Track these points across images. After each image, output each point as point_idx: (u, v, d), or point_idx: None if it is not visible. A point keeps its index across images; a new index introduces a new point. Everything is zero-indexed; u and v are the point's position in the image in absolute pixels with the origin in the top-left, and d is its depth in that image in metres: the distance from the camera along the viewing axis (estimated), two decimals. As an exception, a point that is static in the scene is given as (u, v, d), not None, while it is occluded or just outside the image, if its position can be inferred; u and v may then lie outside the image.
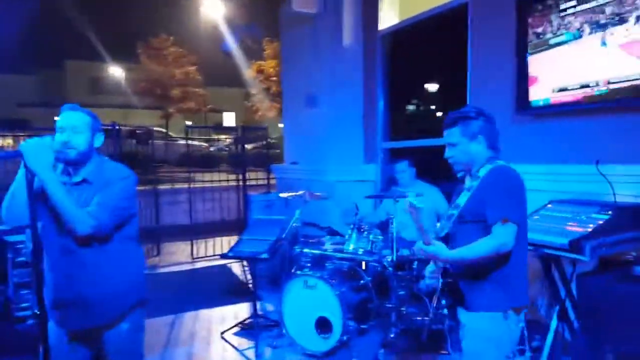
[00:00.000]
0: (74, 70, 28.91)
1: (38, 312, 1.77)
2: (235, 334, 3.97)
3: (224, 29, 22.24)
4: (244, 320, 4.03)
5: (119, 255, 2.06)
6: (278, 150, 13.53)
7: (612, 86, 2.78)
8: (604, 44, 2.83)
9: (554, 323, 2.68)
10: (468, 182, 2.07)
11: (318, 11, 5.55)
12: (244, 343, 3.81)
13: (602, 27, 2.83)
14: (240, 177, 7.01)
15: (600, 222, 2.43)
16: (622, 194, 2.59)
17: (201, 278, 5.95)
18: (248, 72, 25.27)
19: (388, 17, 5.34)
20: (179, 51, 24.55)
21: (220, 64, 25.58)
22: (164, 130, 19.58)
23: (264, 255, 3.67)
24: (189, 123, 26.30)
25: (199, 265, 6.50)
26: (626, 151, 2.67)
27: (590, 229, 2.39)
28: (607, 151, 2.74)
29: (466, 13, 4.08)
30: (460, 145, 2.00)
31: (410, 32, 5.02)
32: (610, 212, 2.46)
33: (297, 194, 4.04)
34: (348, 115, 5.56)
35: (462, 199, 2.01)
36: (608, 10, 2.79)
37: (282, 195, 4.14)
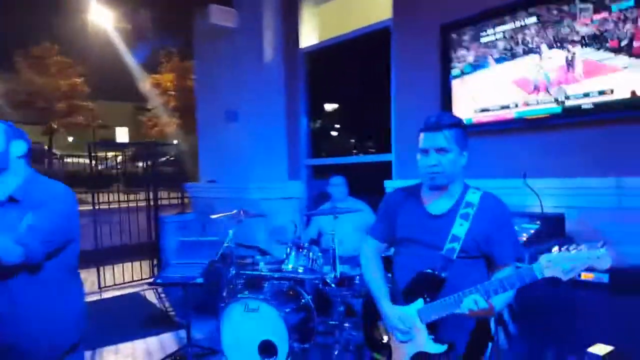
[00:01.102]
0: None
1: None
2: (166, 367, 3.67)
3: (117, 38, 20.98)
4: (177, 351, 3.73)
5: (54, 288, 1.80)
6: (172, 168, 12.96)
7: (529, 107, 3.10)
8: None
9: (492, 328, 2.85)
10: (440, 204, 1.82)
11: (237, 26, 5.46)
12: (177, 376, 3.53)
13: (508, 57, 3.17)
14: (151, 196, 6.55)
15: (532, 231, 2.67)
16: (546, 205, 2.87)
17: (113, 308, 5.41)
18: (143, 86, 24.00)
19: (310, 36, 5.42)
20: (64, 61, 22.48)
21: (109, 76, 23.99)
22: (45, 147, 17.74)
23: (199, 280, 3.46)
24: (70, 139, 24.11)
25: (108, 294, 5.91)
26: (547, 166, 2.97)
27: (525, 238, 2.62)
28: (531, 166, 3.02)
29: (389, 36, 4.29)
30: (452, 153, 1.74)
31: (334, 51, 5.14)
32: (538, 222, 2.72)
33: (231, 213, 3.87)
34: (270, 132, 5.50)
35: (458, 230, 1.75)
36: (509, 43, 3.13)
37: (213, 216, 3.94)
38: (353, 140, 5.54)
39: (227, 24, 5.41)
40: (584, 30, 2.84)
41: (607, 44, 2.75)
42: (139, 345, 4.11)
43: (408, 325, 1.78)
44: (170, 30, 5.64)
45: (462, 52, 3.50)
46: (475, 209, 1.77)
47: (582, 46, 2.85)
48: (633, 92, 2.65)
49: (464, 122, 1.85)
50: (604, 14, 2.75)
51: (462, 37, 3.49)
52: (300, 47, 5.38)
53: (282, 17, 5.49)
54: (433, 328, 1.77)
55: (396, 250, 1.97)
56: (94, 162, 6.66)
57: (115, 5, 6.85)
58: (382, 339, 1.94)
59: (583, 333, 2.36)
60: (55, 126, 23.49)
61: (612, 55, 2.73)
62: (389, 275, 2.06)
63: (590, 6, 2.81)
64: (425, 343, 1.77)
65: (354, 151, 5.35)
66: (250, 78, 5.46)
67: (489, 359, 2.72)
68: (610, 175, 2.71)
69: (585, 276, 2.39)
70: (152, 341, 4.21)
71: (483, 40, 3.36)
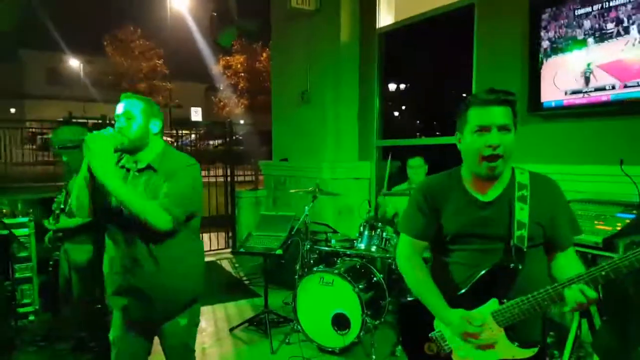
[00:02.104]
0: (29, 60, 27.32)
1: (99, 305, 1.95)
2: (244, 330, 3.84)
3: (193, 21, 21.69)
4: (256, 316, 3.90)
5: (183, 249, 2.00)
6: (242, 147, 13.34)
7: (628, 90, 2.85)
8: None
9: (576, 320, 2.72)
10: (490, 189, 1.57)
11: (315, 8, 5.46)
12: (255, 339, 3.70)
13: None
14: (228, 172, 6.81)
15: (628, 220, 2.49)
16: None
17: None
18: (215, 68, 24.78)
19: (386, 16, 5.31)
20: (146, 44, 23.67)
21: (184, 57, 24.94)
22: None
23: (278, 251, 3.57)
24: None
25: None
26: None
27: (619, 228, 2.45)
28: (628, 152, 2.80)
29: (469, 14, 4.09)
30: (512, 132, 1.50)
31: (410, 31, 5.00)
32: (635, 212, 2.53)
33: (307, 190, 3.94)
34: (342, 113, 5.48)
35: (521, 215, 1.53)
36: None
37: (292, 191, 4.03)
38: (430, 122, 5.41)
39: (306, 7, 5.41)
40: None
41: None
42: (219, 310, 4.34)
43: (482, 328, 1.51)
44: (249, 14, 5.71)
45: (553, 30, 3.28)
46: (529, 190, 1.55)
47: None
48: None
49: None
50: None
51: (554, 15, 3.27)
52: (376, 27, 5.28)
53: (360, -2, 5.41)
54: (513, 331, 1.51)
55: (443, 250, 1.65)
56: (172, 139, 7.01)
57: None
58: (439, 352, 1.61)
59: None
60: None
61: None
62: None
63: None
64: (510, 349, 1.51)
65: (437, 133, 5.20)
66: (325, 59, 5.46)
67: (573, 352, 2.63)
68: None
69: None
70: (230, 306, 4.42)
71: (577, 18, 3.13)
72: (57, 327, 3.68)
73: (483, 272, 1.54)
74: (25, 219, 3.82)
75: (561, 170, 3.21)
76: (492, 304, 1.52)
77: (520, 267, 1.50)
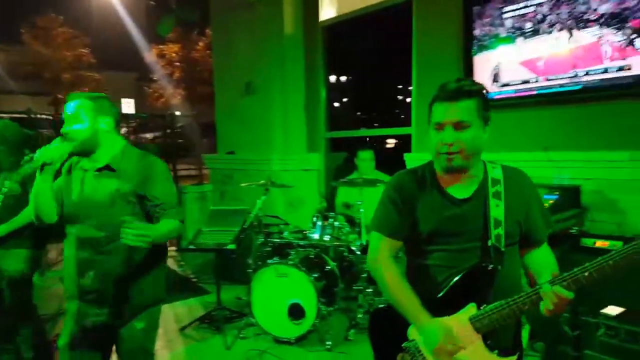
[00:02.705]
0: None
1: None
2: (196, 329, 3.88)
3: (123, 8, 20.79)
4: (208, 314, 3.97)
5: (157, 253, 2.03)
6: (182, 140, 13.11)
7: (550, 83, 3.22)
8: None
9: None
10: (463, 185, 1.54)
11: (257, -1, 5.53)
12: (208, 337, 3.76)
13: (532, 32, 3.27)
14: (171, 167, 6.74)
15: (551, 201, 2.85)
16: (564, 177, 3.05)
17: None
18: (148, 56, 23.89)
19: (329, 9, 5.48)
20: (69, 32, 22.33)
21: (113, 46, 23.88)
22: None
23: (231, 246, 3.66)
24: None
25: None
26: (566, 139, 3.13)
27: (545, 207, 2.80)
28: (550, 140, 3.17)
29: (408, 10, 4.34)
30: (473, 128, 1.44)
31: (353, 25, 5.21)
32: (557, 193, 2.90)
33: (259, 183, 4.05)
34: (290, 104, 5.61)
35: (496, 212, 1.49)
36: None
37: (243, 184, 4.13)
38: (372, 114, 5.68)
39: (247, -4, 5.46)
40: (603, 8, 2.94)
41: (628, 24, 2.83)
42: (167, 311, 4.30)
43: (461, 339, 1.44)
44: (188, 3, 5.68)
45: (484, 26, 3.60)
46: (503, 184, 1.52)
47: (600, 26, 2.94)
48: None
49: (486, 90, 1.54)
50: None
51: (485, 12, 3.58)
52: (319, 20, 5.44)
53: (302, -10, 5.54)
54: (492, 338, 1.45)
55: (418, 251, 1.59)
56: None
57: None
58: None
59: (597, 296, 2.56)
60: (61, 97, 23.53)
61: (634, 36, 2.80)
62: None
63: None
64: (489, 357, 1.45)
65: (375, 125, 5.48)
66: (270, 51, 5.55)
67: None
68: (625, 149, 2.87)
69: (601, 244, 2.57)
70: (179, 306, 4.43)
71: (505, 15, 3.46)
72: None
73: (460, 275, 1.49)
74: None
75: (492, 158, 3.55)
76: (470, 308, 1.46)
77: (499, 268, 1.46)
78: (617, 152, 2.90)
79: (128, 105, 24.48)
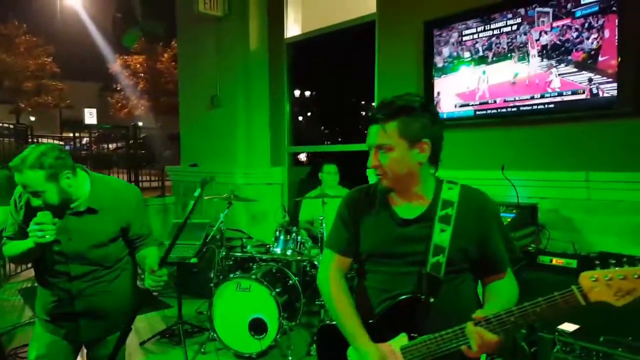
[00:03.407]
0: None
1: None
2: (156, 343, 3.67)
3: (87, 18, 20.09)
4: (168, 328, 3.75)
5: (129, 267, 2.08)
6: (144, 151, 12.71)
7: (508, 104, 3.25)
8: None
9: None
10: (411, 205, 1.44)
11: (223, 14, 5.40)
12: (168, 351, 3.56)
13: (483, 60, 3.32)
14: (133, 178, 6.45)
15: (509, 219, 2.84)
16: (521, 195, 3.05)
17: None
18: (112, 67, 23.21)
19: (294, 27, 5.42)
20: (33, 40, 21.38)
21: (76, 55, 23.06)
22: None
23: (193, 260, 3.50)
24: (32, 119, 23.14)
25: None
26: (523, 159, 3.15)
27: (502, 226, 2.78)
28: (506, 159, 3.18)
29: (371, 29, 4.33)
30: (397, 151, 1.36)
31: (317, 43, 5.16)
32: (515, 211, 2.90)
33: (222, 196, 3.89)
34: (254, 119, 5.48)
35: (440, 238, 1.37)
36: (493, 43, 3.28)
37: (206, 197, 3.95)
38: (335, 130, 5.63)
39: (213, 12, 5.33)
40: (544, 39, 3.00)
41: (570, 57, 2.89)
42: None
43: None
44: (153, 15, 5.48)
45: (444, 48, 3.62)
46: (455, 208, 1.39)
47: (542, 58, 3.00)
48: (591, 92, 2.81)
49: (422, 104, 1.39)
50: (566, 21, 2.89)
51: (444, 35, 3.60)
52: (284, 37, 5.37)
53: (268, 7, 5.46)
54: None
55: (362, 269, 1.53)
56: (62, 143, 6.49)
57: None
58: None
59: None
60: (23, 105, 22.42)
61: (574, 70, 2.86)
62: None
63: (549, 11, 2.93)
64: None
65: (339, 139, 5.43)
66: (235, 65, 5.42)
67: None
68: (581, 170, 2.90)
69: (557, 262, 2.58)
70: (139, 320, 4.19)
71: (465, 38, 3.48)
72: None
73: (392, 302, 1.40)
74: None
75: (450, 175, 3.54)
76: (402, 338, 1.38)
77: (431, 299, 1.35)
78: (573, 172, 2.93)
79: (90, 116, 23.58)
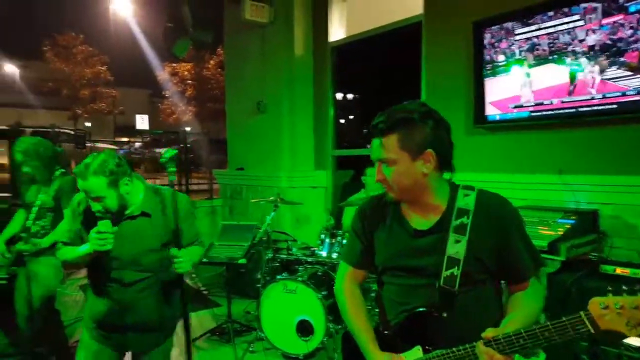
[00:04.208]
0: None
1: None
2: (207, 341, 3.73)
3: (138, 28, 20.94)
4: (219, 326, 3.81)
5: (176, 286, 2.06)
6: (192, 155, 13.06)
7: (566, 105, 3.08)
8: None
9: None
10: (425, 216, 1.38)
11: (269, 21, 5.45)
12: (219, 349, 3.62)
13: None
14: (183, 182, 6.62)
15: (568, 226, 2.68)
16: (581, 200, 2.88)
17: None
18: (161, 74, 24.06)
19: (338, 30, 5.40)
20: (89, 50, 22.54)
21: (127, 64, 24.07)
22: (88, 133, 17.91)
23: (242, 260, 3.53)
24: (88, 124, 24.38)
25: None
26: (582, 162, 2.97)
27: (561, 233, 2.63)
28: (565, 162, 3.02)
29: (417, 31, 4.24)
30: (401, 162, 1.31)
31: (361, 45, 5.12)
32: (574, 217, 2.73)
33: (268, 199, 3.91)
34: (298, 123, 5.50)
35: (455, 250, 1.30)
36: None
37: (253, 200, 3.99)
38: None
39: (260, 19, 5.39)
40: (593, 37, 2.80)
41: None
42: (179, 322, 4.18)
43: None
44: (202, 25, 5.61)
45: (494, 48, 3.48)
46: (471, 216, 1.31)
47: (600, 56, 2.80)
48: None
49: (421, 114, 1.31)
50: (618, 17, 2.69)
51: (495, 35, 3.47)
52: (329, 41, 5.36)
53: (313, 12, 5.47)
54: None
55: (380, 280, 1.51)
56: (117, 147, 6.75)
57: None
58: None
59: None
60: (80, 112, 23.63)
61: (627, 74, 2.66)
62: (376, 310, 1.57)
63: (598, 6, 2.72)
64: None
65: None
66: (280, 70, 5.46)
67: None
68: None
69: (622, 271, 2.39)
70: (191, 317, 4.27)
71: (518, 37, 3.33)
72: (13, 342, 3.44)
73: (406, 315, 1.36)
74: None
75: (505, 179, 3.41)
76: (416, 351, 1.33)
77: (444, 314, 1.29)
78: (637, 176, 2.73)
79: (142, 121, 24.60)
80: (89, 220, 1.89)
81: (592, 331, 1.07)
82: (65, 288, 5.12)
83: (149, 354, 2.09)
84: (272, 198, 3.89)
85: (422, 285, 1.35)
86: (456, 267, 1.28)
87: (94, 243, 1.76)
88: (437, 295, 1.30)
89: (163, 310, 2.03)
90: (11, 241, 3.07)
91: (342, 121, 5.63)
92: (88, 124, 25.22)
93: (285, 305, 3.40)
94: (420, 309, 1.33)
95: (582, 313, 1.08)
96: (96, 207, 1.84)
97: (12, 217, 3.24)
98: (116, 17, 21.55)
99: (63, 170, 3.03)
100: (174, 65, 23.42)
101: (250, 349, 3.53)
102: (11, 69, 25.45)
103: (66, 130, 6.15)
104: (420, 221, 1.38)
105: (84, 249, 1.84)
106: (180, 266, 1.85)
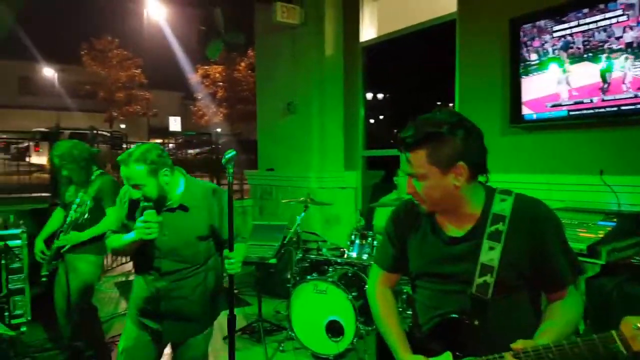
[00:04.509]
0: (0, 70, 26.41)
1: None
2: (238, 339, 3.78)
3: (170, 31, 21.49)
4: (249, 325, 3.88)
5: (215, 268, 2.17)
6: (222, 156, 13.22)
7: (607, 104, 2.98)
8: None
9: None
10: (459, 222, 1.36)
11: (300, 22, 5.50)
12: (249, 347, 3.68)
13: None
14: (215, 182, 6.74)
15: (609, 228, 2.59)
16: (623, 202, 2.78)
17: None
18: (193, 77, 24.55)
19: (369, 30, 5.39)
20: (124, 53, 23.29)
21: (160, 66, 24.68)
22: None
23: (272, 260, 3.58)
24: (123, 126, 25.20)
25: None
26: (625, 163, 2.87)
27: (602, 235, 2.54)
28: (606, 163, 2.92)
29: (451, 29, 4.18)
30: (432, 176, 1.27)
31: (393, 45, 5.10)
32: (615, 220, 2.64)
33: (298, 200, 3.95)
34: (328, 123, 5.52)
35: (488, 257, 1.27)
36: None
37: (284, 200, 4.03)
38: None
39: (291, 21, 5.44)
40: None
41: None
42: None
43: None
44: (234, 27, 5.72)
45: (531, 46, 3.40)
46: (507, 222, 1.27)
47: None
48: None
49: (450, 126, 1.25)
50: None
51: (532, 32, 3.39)
52: (360, 40, 5.36)
53: (343, 12, 5.48)
54: None
55: (413, 285, 1.50)
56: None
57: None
58: None
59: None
60: (115, 114, 24.42)
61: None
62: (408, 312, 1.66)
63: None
64: None
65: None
66: (310, 71, 5.49)
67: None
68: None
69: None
70: (222, 315, 4.34)
71: (554, 35, 3.25)
72: (52, 337, 3.59)
73: (437, 321, 1.35)
74: (17, 231, 3.69)
75: (542, 180, 3.33)
76: (446, 357, 1.31)
77: (475, 322, 1.27)
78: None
79: (175, 123, 25.22)
80: (134, 210, 1.99)
81: (625, 352, 1.03)
82: (101, 285, 5.31)
83: (185, 344, 2.14)
84: (302, 198, 3.92)
85: (455, 291, 1.33)
86: (489, 275, 1.26)
87: (140, 231, 1.86)
88: (469, 302, 1.29)
89: (198, 301, 2.08)
90: (50, 239, 3.20)
91: (372, 121, 5.61)
92: (123, 126, 26.05)
93: (316, 306, 3.42)
94: (453, 315, 1.32)
95: (614, 332, 1.05)
96: (136, 194, 1.92)
97: (51, 216, 3.39)
98: (149, 21, 22.22)
99: (101, 170, 3.15)
100: (206, 67, 23.86)
101: (281, 348, 3.57)
102: (50, 72, 26.56)
103: (103, 132, 6.38)
104: (454, 227, 1.37)
105: (130, 236, 1.94)
106: (231, 267, 1.92)
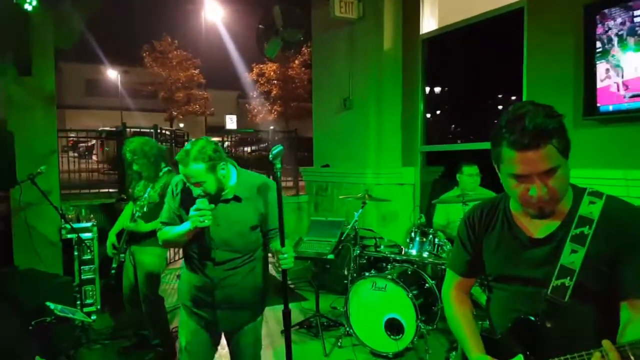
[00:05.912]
0: (69, 73, 28.44)
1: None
2: (295, 333, 3.90)
3: (226, 31, 22.22)
4: (307, 320, 3.98)
5: (262, 258, 2.25)
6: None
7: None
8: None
9: None
10: (542, 223, 1.30)
11: (358, 16, 5.53)
12: (307, 342, 3.77)
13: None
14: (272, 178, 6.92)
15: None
16: None
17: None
18: (248, 75, 25.22)
19: (430, 22, 5.32)
20: (183, 54, 24.39)
21: (217, 66, 25.52)
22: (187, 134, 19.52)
23: (330, 256, 3.64)
24: (181, 125, 26.36)
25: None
26: None
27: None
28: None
29: (517, 18, 4.04)
30: (562, 167, 1.19)
31: (454, 37, 5.01)
32: None
33: (357, 196, 3.99)
34: (385, 119, 5.50)
35: (570, 259, 1.23)
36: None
37: (341, 197, 4.09)
38: (472, 127, 5.37)
39: (349, 15, 5.48)
40: None
41: None
42: (269, 313, 4.37)
43: None
44: (292, 25, 5.84)
45: (608, 33, 3.23)
46: (594, 226, 1.22)
47: None
48: None
49: (559, 115, 1.20)
50: None
51: (609, 16, 3.22)
52: (420, 33, 5.30)
53: (403, 4, 5.45)
54: None
55: (489, 286, 1.49)
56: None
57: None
58: None
59: None
60: (175, 114, 25.60)
61: None
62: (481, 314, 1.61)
63: None
64: None
65: (471, 137, 5.17)
66: (368, 66, 5.50)
67: None
68: None
69: None
70: (279, 310, 4.47)
71: (635, 20, 3.07)
72: (120, 325, 3.86)
73: (512, 323, 1.33)
74: (89, 224, 4.03)
75: (619, 176, 3.17)
76: (518, 359, 1.30)
77: (548, 325, 1.24)
78: None
79: (231, 121, 26.06)
80: (186, 201, 2.08)
81: None
82: (164, 277, 5.63)
83: (238, 333, 2.23)
84: (360, 195, 3.96)
85: (532, 293, 1.30)
86: (569, 278, 1.22)
87: (194, 220, 1.94)
88: (543, 304, 1.26)
89: (250, 289, 2.17)
90: (121, 234, 3.41)
91: (431, 116, 5.54)
92: (182, 125, 27.27)
93: (374, 303, 3.45)
94: (524, 317, 1.30)
95: None
96: (197, 191, 2.01)
97: (122, 212, 3.63)
98: (207, 22, 23.11)
99: (169, 167, 3.34)
100: (261, 66, 24.45)
101: (339, 344, 3.63)
102: (114, 74, 28.28)
103: (164, 131, 6.73)
104: (536, 228, 1.32)
105: (185, 226, 2.02)
106: (285, 262, 1.99)
